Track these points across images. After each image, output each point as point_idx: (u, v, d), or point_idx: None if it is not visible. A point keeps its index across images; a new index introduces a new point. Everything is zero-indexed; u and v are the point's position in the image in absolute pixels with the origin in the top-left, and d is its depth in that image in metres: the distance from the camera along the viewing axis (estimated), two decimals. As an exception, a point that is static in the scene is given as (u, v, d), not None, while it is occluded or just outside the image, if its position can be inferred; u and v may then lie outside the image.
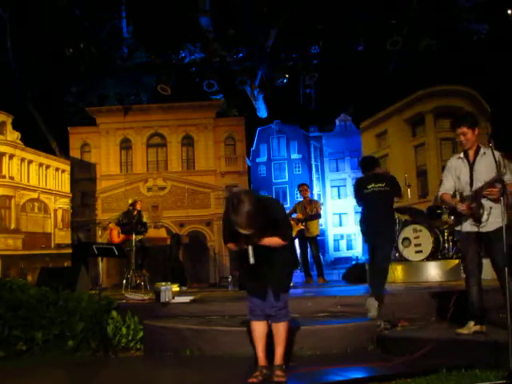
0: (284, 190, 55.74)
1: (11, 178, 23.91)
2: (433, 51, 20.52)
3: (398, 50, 21.52)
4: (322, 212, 12.65)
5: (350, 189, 54.78)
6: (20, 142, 24.53)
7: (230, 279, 12.01)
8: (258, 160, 55.37)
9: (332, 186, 56.05)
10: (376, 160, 9.01)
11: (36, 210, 25.04)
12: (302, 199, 12.64)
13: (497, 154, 5.29)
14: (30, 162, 25.00)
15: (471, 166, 5.64)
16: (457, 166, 5.78)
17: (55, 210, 25.96)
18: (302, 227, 12.07)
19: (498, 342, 4.96)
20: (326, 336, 6.17)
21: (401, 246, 10.64)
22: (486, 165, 5.47)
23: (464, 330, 5.56)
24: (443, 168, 6.19)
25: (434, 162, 28.49)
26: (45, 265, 17.97)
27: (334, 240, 55.38)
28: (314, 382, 4.82)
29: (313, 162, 56.41)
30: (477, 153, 5.66)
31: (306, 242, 12.34)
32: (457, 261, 9.84)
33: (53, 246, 24.90)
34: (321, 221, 12.78)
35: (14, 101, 27.13)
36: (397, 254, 10.84)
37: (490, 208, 5.45)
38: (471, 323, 5.58)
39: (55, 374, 6.16)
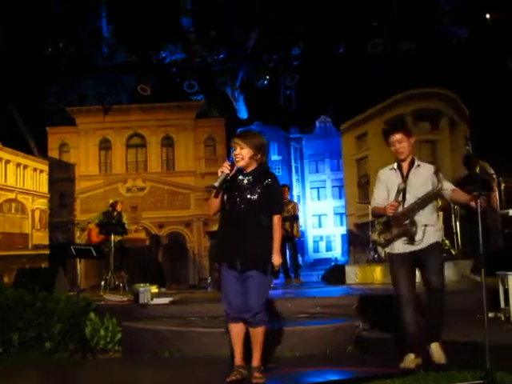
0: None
1: (-13, 178, 23.75)
2: (413, 54, 20.69)
3: (379, 53, 21.67)
4: (299, 213, 12.73)
5: (329, 190, 55.02)
6: (-3, 141, 24.36)
7: (209, 280, 12.02)
8: (238, 161, 55.35)
9: (312, 188, 56.20)
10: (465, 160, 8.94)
11: (13, 211, 24.84)
12: None
13: (431, 167, 5.18)
14: (7, 161, 24.81)
15: (404, 179, 5.25)
16: (389, 177, 5.38)
17: (33, 211, 25.80)
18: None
19: (476, 343, 5.00)
20: (305, 337, 6.19)
21: (380, 248, 10.70)
22: (420, 178, 5.17)
23: (406, 364, 5.08)
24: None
25: (413, 165, 28.57)
26: (22, 266, 17.85)
27: (314, 241, 55.51)
28: (294, 382, 4.83)
29: (293, 164, 56.55)
30: (411, 165, 5.29)
31: (286, 243, 12.37)
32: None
33: (30, 246, 24.72)
34: (300, 222, 12.83)
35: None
36: (376, 256, 10.91)
37: (425, 226, 5.10)
38: (411, 356, 5.10)
39: (32, 375, 6.14)
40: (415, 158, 5.37)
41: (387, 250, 5.36)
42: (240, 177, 5.00)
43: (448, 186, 5.13)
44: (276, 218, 5.00)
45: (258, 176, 4.98)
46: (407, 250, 5.17)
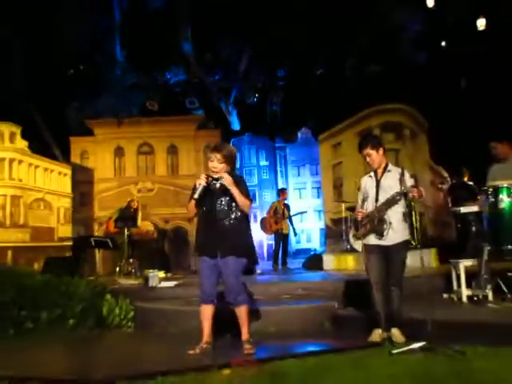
0: (253, 191, 56.11)
1: (20, 180, 23.71)
2: (380, 75, 20.80)
3: (351, 74, 21.74)
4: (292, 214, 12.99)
5: (309, 191, 55.08)
6: (28, 149, 24.32)
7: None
8: (231, 166, 55.52)
9: (294, 189, 56.13)
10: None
11: (42, 208, 24.79)
12: (278, 200, 12.84)
13: (398, 170, 5.15)
14: (36, 166, 24.76)
15: (378, 182, 5.29)
16: (366, 183, 5.41)
17: (58, 208, 25.75)
18: (278, 226, 12.39)
19: (432, 320, 5.02)
20: (288, 315, 6.21)
21: (352, 240, 10.74)
22: (390, 181, 5.18)
23: (374, 338, 5.14)
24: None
25: (380, 169, 28.60)
26: (49, 255, 17.77)
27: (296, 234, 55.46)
28: (278, 354, 4.86)
29: (278, 168, 56.63)
30: (384, 170, 5.30)
31: (280, 237, 12.54)
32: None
33: (56, 238, 24.70)
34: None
35: (22, 114, 26.92)
36: (348, 247, 10.95)
37: (390, 223, 5.08)
38: (378, 331, 5.15)
39: (59, 347, 6.16)
40: (389, 163, 5.37)
41: (364, 241, 5.34)
42: (213, 182, 5.06)
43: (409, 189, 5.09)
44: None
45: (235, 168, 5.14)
46: (377, 243, 5.19)
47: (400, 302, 5.09)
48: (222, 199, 5.01)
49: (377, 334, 5.14)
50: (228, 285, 4.95)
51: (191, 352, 4.91)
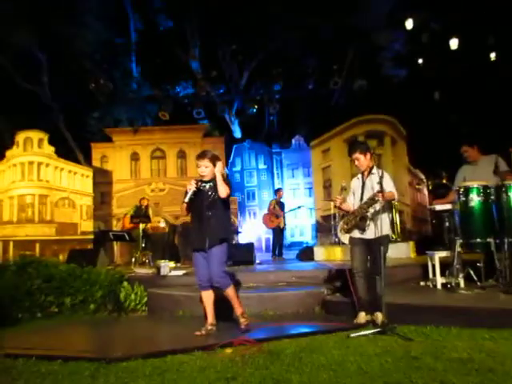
0: (253, 191, 56.45)
1: (47, 181, 23.73)
2: (364, 89, 20.80)
3: (339, 88, 21.74)
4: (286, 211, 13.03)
5: (302, 191, 55.08)
6: (54, 154, 24.35)
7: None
8: (234, 169, 55.71)
9: (289, 189, 56.18)
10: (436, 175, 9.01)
11: (66, 206, 24.82)
12: (275, 198, 12.92)
13: (379, 173, 5.05)
14: (61, 169, 24.78)
15: (363, 183, 5.30)
16: (355, 184, 5.44)
17: (81, 206, 25.78)
18: (278, 222, 12.46)
19: (408, 304, 5.02)
20: (283, 300, 6.19)
21: (340, 234, 10.72)
22: (373, 183, 5.16)
23: (359, 320, 5.13)
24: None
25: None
26: (72, 247, 17.78)
27: (290, 229, 55.44)
28: (275, 335, 4.84)
29: (275, 171, 56.71)
30: (369, 173, 5.29)
31: (277, 231, 12.58)
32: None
33: (79, 232, 24.71)
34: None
35: (50, 122, 26.96)
36: (336, 240, 10.94)
37: (371, 220, 5.11)
38: (363, 313, 5.16)
39: (81, 328, 6.16)
40: (374, 166, 5.33)
41: (349, 235, 5.35)
42: (203, 184, 5.11)
43: (388, 188, 5.06)
44: None
45: (215, 182, 5.09)
46: (361, 237, 5.21)
47: (382, 288, 5.07)
48: (209, 198, 5.05)
49: (361, 317, 5.14)
50: (212, 272, 4.94)
51: (197, 333, 4.92)
